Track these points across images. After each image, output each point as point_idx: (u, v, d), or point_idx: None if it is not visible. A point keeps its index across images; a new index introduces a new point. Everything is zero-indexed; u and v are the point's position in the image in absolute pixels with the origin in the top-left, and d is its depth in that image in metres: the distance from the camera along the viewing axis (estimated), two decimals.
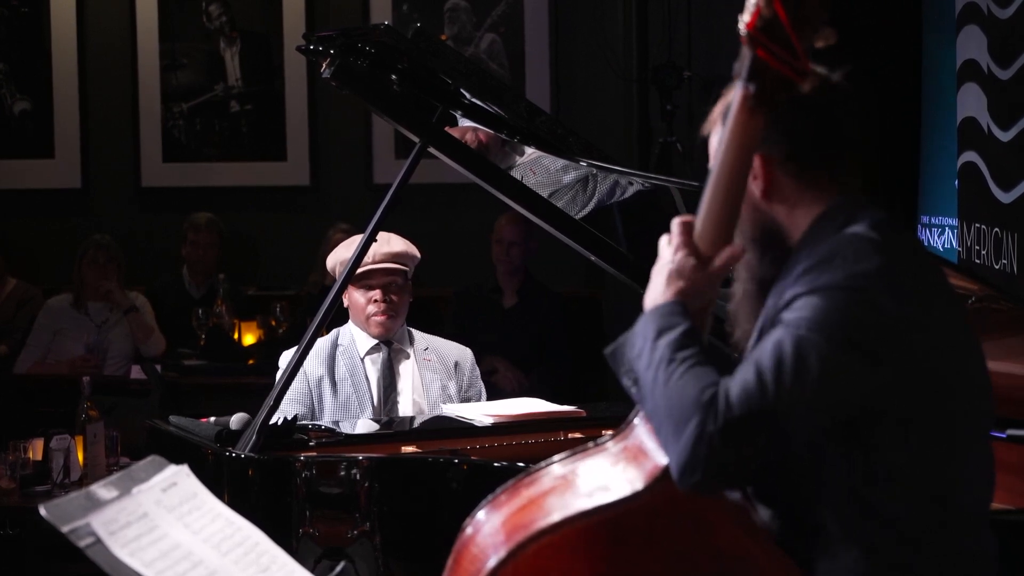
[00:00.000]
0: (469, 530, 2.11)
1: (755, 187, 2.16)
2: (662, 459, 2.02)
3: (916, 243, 2.25)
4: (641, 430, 2.10)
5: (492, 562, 2.01)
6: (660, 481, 2.01)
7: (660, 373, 2.01)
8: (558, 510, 2.01)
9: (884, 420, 2.06)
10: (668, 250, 2.11)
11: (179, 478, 2.13)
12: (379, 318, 4.18)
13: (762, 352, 2.02)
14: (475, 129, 3.86)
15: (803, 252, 2.12)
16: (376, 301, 4.17)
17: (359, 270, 4.05)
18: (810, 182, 2.16)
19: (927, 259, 2.23)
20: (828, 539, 2.09)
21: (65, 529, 1.94)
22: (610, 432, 2.17)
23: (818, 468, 2.09)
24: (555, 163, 3.88)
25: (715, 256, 2.07)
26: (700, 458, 1.95)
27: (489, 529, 2.07)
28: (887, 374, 2.03)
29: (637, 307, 2.14)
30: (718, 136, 2.16)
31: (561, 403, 4.10)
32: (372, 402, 4.16)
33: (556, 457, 2.13)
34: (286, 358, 4.10)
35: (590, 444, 2.14)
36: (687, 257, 2.08)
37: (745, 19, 1.98)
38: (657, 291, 2.10)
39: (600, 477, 2.06)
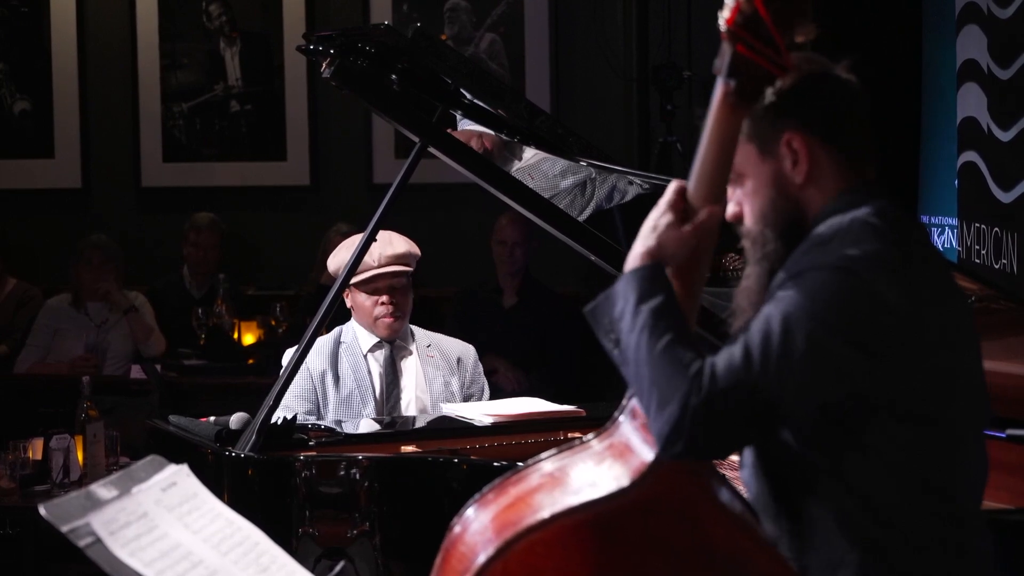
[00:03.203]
0: (457, 528, 2.11)
1: (796, 174, 2.16)
2: (648, 455, 2.02)
3: (922, 234, 2.25)
4: (627, 427, 2.10)
5: (481, 559, 2.00)
6: (646, 477, 2.01)
7: (643, 340, 2.02)
8: (547, 507, 2.01)
9: (879, 413, 2.06)
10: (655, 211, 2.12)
11: (179, 478, 2.13)
12: (387, 320, 4.20)
13: (751, 328, 2.03)
14: (480, 136, 3.86)
15: (808, 233, 2.14)
16: (384, 304, 4.19)
17: (365, 275, 4.08)
18: (836, 163, 2.17)
19: (932, 251, 2.24)
20: (823, 533, 2.09)
21: (65, 529, 1.93)
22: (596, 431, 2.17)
23: (815, 461, 2.09)
24: (553, 167, 3.88)
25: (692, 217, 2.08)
26: (683, 430, 1.97)
27: (477, 527, 2.07)
28: (876, 363, 2.03)
29: None
30: None
31: (561, 403, 4.10)
32: (375, 398, 4.18)
33: (543, 455, 2.13)
34: (289, 356, 4.11)
35: (576, 442, 2.14)
36: (664, 215, 2.09)
37: (725, 15, 1.99)
38: (634, 248, 2.11)
39: (587, 474, 2.06)
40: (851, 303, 2.02)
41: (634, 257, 2.10)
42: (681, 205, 2.09)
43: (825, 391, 2.03)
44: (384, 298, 4.19)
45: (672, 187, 2.11)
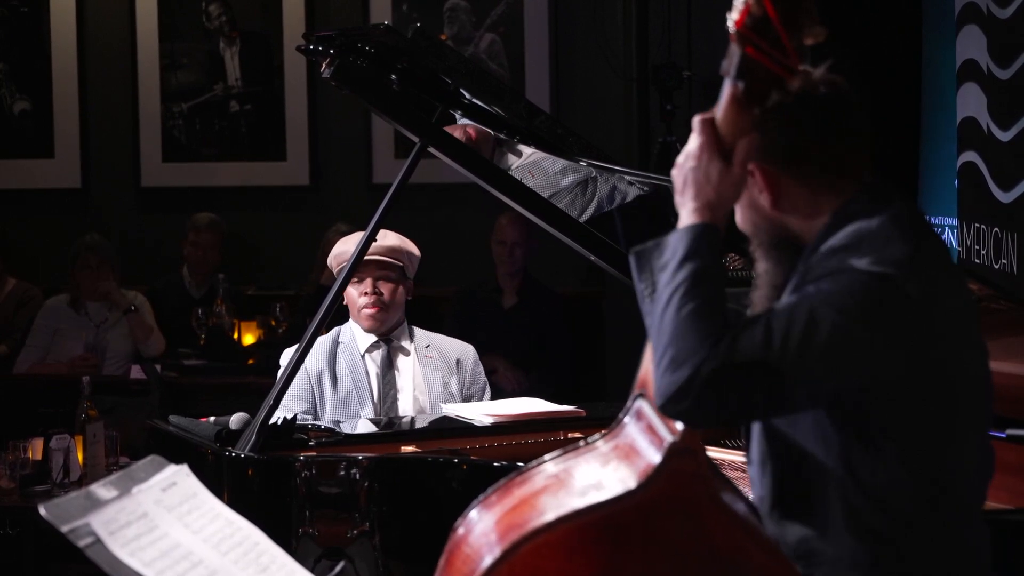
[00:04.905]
0: (461, 530, 2.10)
1: (763, 200, 2.17)
2: (654, 457, 2.02)
3: (935, 235, 2.27)
4: (632, 428, 2.10)
5: (487, 561, 2.00)
6: (652, 479, 2.01)
7: (676, 297, 2.04)
8: (552, 509, 2.01)
9: (890, 406, 2.08)
10: (694, 145, 2.11)
11: (179, 478, 2.13)
12: (369, 311, 4.19)
13: (775, 311, 2.04)
14: (464, 126, 3.85)
15: (823, 241, 2.13)
16: (367, 294, 4.18)
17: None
18: (819, 186, 2.16)
19: (946, 251, 2.25)
20: (834, 529, 2.11)
21: (65, 529, 1.93)
22: (600, 432, 2.17)
23: (823, 457, 2.10)
24: (554, 166, 3.88)
25: (734, 152, 2.08)
26: (690, 392, 1.99)
27: (482, 529, 2.06)
28: (899, 360, 2.05)
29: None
30: None
31: (561, 403, 4.10)
32: (372, 398, 4.17)
33: (547, 456, 2.13)
34: (287, 356, 4.11)
35: (581, 443, 2.14)
36: (712, 161, 2.08)
37: (734, 17, 2.00)
38: (687, 198, 2.10)
39: (593, 476, 2.06)
40: (883, 303, 2.04)
41: (691, 212, 2.10)
42: (717, 143, 2.09)
43: (843, 380, 2.05)
44: (368, 287, 4.19)
45: (697, 123, 2.10)
